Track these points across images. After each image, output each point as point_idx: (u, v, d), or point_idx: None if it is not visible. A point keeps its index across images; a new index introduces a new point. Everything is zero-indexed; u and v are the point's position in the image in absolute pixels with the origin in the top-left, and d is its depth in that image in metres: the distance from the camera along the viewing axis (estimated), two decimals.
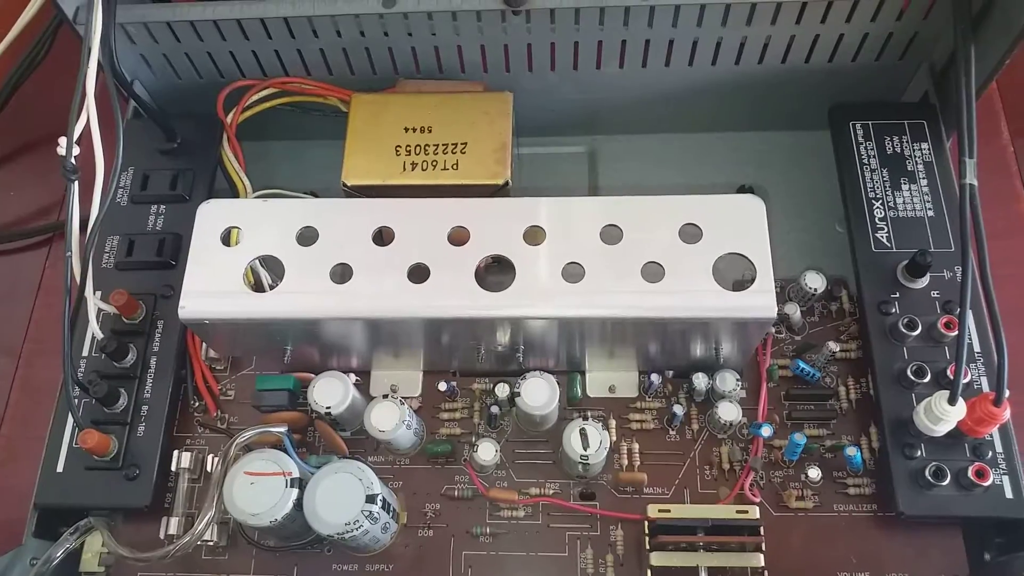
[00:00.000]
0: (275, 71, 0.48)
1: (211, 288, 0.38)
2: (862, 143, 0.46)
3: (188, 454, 0.41)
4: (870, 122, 0.47)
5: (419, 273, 0.37)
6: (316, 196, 0.47)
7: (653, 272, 0.37)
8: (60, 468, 0.41)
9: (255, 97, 0.47)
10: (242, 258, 0.38)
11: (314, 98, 0.48)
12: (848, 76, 0.48)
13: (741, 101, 0.50)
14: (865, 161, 0.46)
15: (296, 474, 0.36)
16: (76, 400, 0.40)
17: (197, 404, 0.43)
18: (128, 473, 0.40)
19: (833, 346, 0.42)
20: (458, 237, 0.38)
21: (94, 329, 0.41)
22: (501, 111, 0.44)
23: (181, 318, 0.37)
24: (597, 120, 0.52)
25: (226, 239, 0.39)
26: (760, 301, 0.36)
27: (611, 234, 0.38)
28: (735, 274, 0.37)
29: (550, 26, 0.44)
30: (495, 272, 0.38)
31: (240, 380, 0.44)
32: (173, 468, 0.41)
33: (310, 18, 0.44)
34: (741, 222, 0.38)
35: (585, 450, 0.38)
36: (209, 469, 0.41)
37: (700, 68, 0.47)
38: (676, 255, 0.37)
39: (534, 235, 0.38)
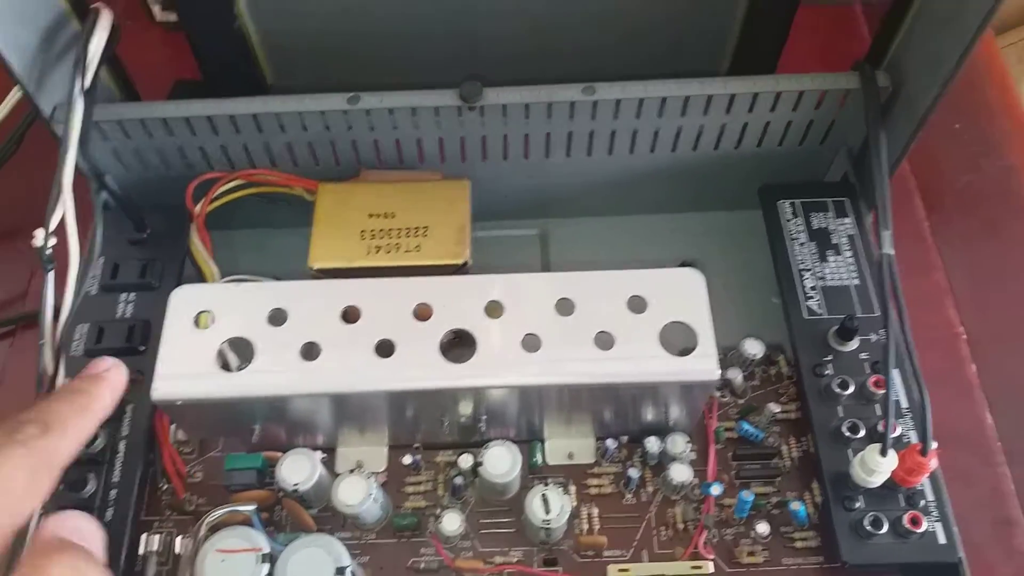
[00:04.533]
0: (242, 163, 0.51)
1: (183, 370, 0.39)
2: (791, 220, 0.50)
3: (156, 537, 0.42)
4: (797, 200, 0.51)
5: (385, 348, 0.40)
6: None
7: (604, 341, 0.40)
8: None
9: (223, 188, 0.49)
10: (214, 340, 0.40)
11: (280, 188, 0.50)
12: (775, 160, 0.52)
13: (679, 185, 0.53)
14: (794, 236, 0.50)
15: (267, 550, 0.37)
16: None
17: (165, 487, 0.44)
18: None
19: (774, 407, 0.45)
20: (422, 313, 0.40)
21: None
22: (460, 196, 0.47)
23: (153, 399, 0.39)
24: (548, 204, 0.55)
25: (196, 322, 0.40)
26: (703, 365, 0.39)
27: (564, 306, 0.41)
28: (681, 342, 0.40)
29: (503, 120, 0.48)
30: (456, 347, 0.40)
31: (207, 462, 0.45)
32: (141, 551, 0.41)
33: (278, 114, 0.47)
34: (683, 293, 0.41)
35: (547, 515, 0.40)
36: (178, 551, 0.41)
37: (640, 155, 0.51)
38: (625, 324, 0.40)
39: (493, 309, 0.41)
